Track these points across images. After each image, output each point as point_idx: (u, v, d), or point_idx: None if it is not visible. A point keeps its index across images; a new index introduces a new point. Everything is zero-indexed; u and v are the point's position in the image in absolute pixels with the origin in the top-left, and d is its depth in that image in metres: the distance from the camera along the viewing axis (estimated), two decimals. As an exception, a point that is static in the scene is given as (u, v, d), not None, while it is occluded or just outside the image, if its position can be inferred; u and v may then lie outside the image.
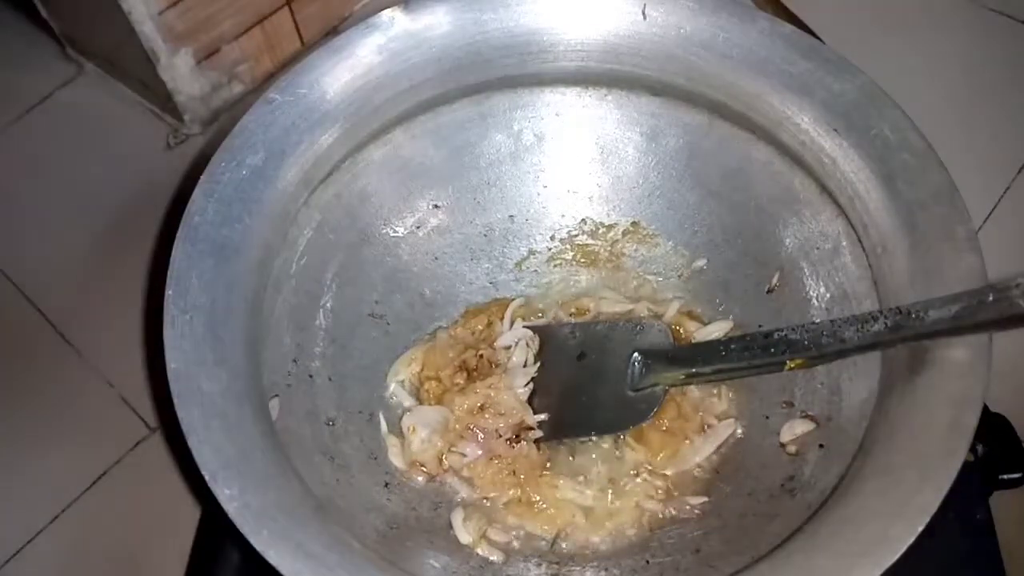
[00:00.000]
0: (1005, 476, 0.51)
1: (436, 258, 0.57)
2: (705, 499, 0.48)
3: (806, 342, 0.42)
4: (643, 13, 0.50)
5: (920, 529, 0.34)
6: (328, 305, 0.52)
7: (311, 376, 0.49)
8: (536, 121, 0.56)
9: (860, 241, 0.46)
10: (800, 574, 0.36)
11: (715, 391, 0.52)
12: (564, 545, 0.48)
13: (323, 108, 0.48)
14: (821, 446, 0.45)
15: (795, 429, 0.47)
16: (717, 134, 0.53)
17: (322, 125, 0.48)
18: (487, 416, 0.50)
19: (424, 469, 0.50)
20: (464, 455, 0.50)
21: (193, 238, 0.43)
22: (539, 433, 0.51)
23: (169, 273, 0.42)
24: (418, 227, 0.56)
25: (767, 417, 0.50)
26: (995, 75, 0.79)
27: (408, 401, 0.53)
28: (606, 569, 0.46)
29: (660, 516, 0.48)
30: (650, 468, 0.50)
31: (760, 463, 0.48)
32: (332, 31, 0.84)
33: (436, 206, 0.56)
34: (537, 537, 0.48)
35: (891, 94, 0.46)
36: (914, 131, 0.45)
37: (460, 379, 0.52)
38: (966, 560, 0.49)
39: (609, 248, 0.58)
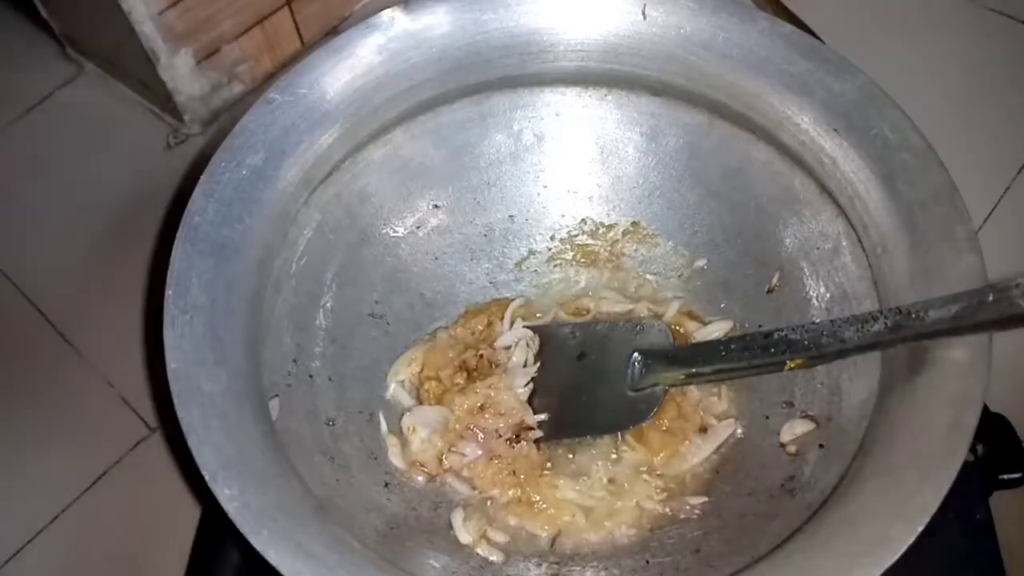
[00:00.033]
0: (1005, 476, 0.51)
1: (436, 258, 0.57)
2: (705, 499, 0.48)
3: (806, 342, 0.42)
4: (643, 13, 0.50)
5: (920, 529, 0.34)
6: (328, 305, 0.52)
7: (311, 376, 0.49)
8: (536, 121, 0.56)
9: (860, 241, 0.46)
10: (800, 574, 0.36)
11: (715, 391, 0.52)
12: (564, 545, 0.48)
13: (323, 108, 0.48)
14: (821, 446, 0.45)
15: (795, 429, 0.47)
16: (717, 134, 0.53)
17: (322, 125, 0.48)
18: (487, 416, 0.50)
19: (424, 469, 0.50)
20: (464, 455, 0.50)
21: (193, 238, 0.43)
22: (539, 433, 0.51)
23: (169, 273, 0.42)
24: (418, 227, 0.56)
25: (767, 417, 0.50)
26: (995, 75, 0.79)
27: (408, 401, 0.53)
28: (606, 569, 0.46)
29: (660, 516, 0.48)
30: (650, 468, 0.50)
31: (760, 463, 0.48)
32: (332, 31, 0.84)
33: (436, 206, 0.56)
34: (537, 537, 0.48)
35: (891, 94, 0.46)
36: (914, 131, 0.45)
37: (460, 379, 0.52)
38: (966, 560, 0.49)
39: (609, 248, 0.58)
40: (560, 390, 0.52)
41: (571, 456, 0.51)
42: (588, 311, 0.56)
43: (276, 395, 0.46)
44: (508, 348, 0.54)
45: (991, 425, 0.52)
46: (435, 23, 0.50)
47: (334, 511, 0.43)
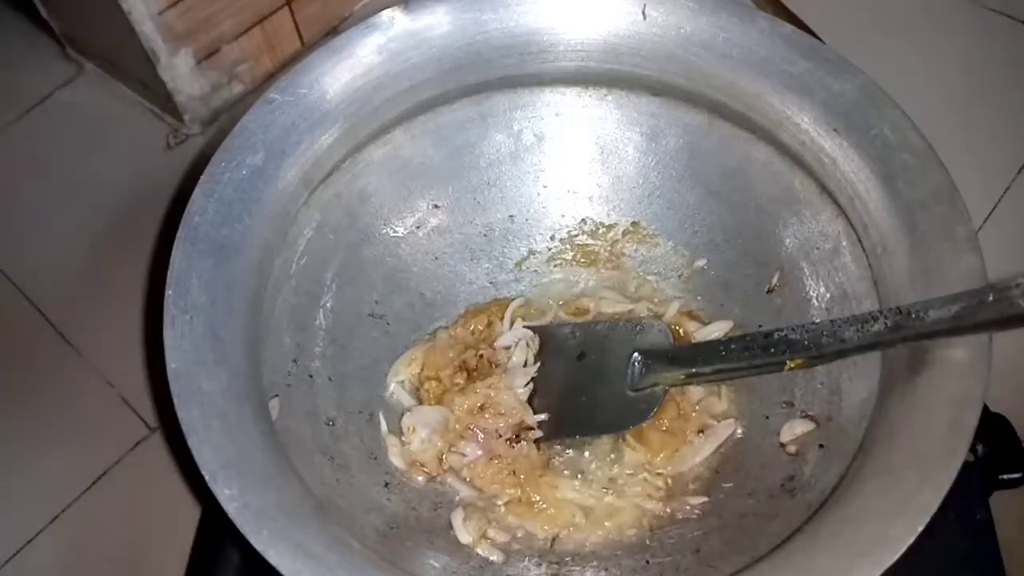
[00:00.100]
0: (1005, 476, 0.51)
1: (436, 258, 0.57)
2: (705, 499, 0.48)
3: (806, 342, 0.42)
4: (643, 13, 0.50)
5: (920, 529, 0.34)
6: (328, 305, 0.52)
7: (311, 376, 0.49)
8: (536, 121, 0.56)
9: (860, 241, 0.46)
10: (800, 574, 0.36)
11: (715, 391, 0.52)
12: (564, 545, 0.48)
13: (323, 108, 0.48)
14: (821, 446, 0.45)
15: (795, 429, 0.47)
16: (717, 134, 0.53)
17: (322, 125, 0.48)
18: (487, 416, 0.50)
19: (424, 469, 0.50)
20: (464, 455, 0.50)
21: (193, 238, 0.43)
22: (539, 433, 0.51)
23: (169, 273, 0.42)
24: (418, 227, 0.56)
25: (767, 417, 0.50)
26: (995, 75, 0.79)
27: (408, 401, 0.53)
28: (606, 569, 0.46)
29: (660, 516, 0.48)
30: (650, 468, 0.50)
31: (760, 463, 0.48)
32: (332, 31, 0.84)
33: (436, 206, 0.56)
34: (537, 537, 0.48)
35: (891, 94, 0.46)
36: (914, 131, 0.45)
37: (460, 379, 0.52)
38: (966, 560, 0.49)
39: (609, 248, 0.58)
40: (560, 390, 0.52)
41: (571, 456, 0.51)
42: (588, 311, 0.56)
43: (276, 395, 0.46)
44: (508, 348, 0.54)
45: (991, 425, 0.52)
46: (435, 23, 0.50)
47: (334, 511, 0.43)
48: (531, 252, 0.58)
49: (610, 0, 0.51)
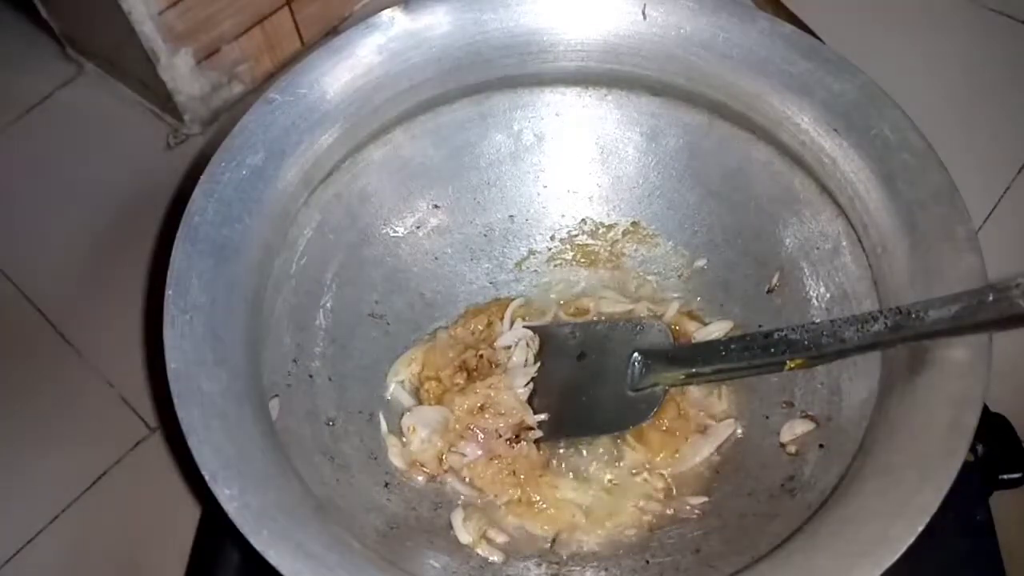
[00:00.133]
0: (1005, 476, 0.51)
1: (436, 258, 0.57)
2: (705, 499, 0.48)
3: (806, 342, 0.42)
4: (643, 13, 0.50)
5: (920, 529, 0.34)
6: (328, 305, 0.52)
7: (311, 376, 0.49)
8: (536, 121, 0.56)
9: (860, 241, 0.46)
10: (800, 574, 0.36)
11: (715, 391, 0.52)
12: (564, 545, 0.48)
13: (323, 108, 0.48)
14: (821, 446, 0.45)
15: (795, 429, 0.47)
16: (717, 134, 0.53)
17: (322, 125, 0.48)
18: (487, 416, 0.50)
19: (424, 469, 0.50)
20: (464, 455, 0.50)
21: (193, 238, 0.43)
22: (539, 433, 0.51)
23: (169, 273, 0.42)
24: (418, 227, 0.56)
25: (767, 417, 0.50)
26: (995, 75, 0.79)
27: (408, 401, 0.53)
28: (606, 569, 0.46)
29: (660, 516, 0.48)
30: (650, 468, 0.50)
31: (760, 463, 0.48)
32: (332, 31, 0.84)
33: (436, 206, 0.56)
34: (537, 537, 0.48)
35: (891, 94, 0.46)
36: (914, 131, 0.45)
37: (460, 379, 0.52)
38: (966, 560, 0.49)
39: (609, 248, 0.58)
40: (560, 390, 0.52)
41: (571, 456, 0.51)
42: (588, 311, 0.56)
43: (276, 395, 0.46)
44: (508, 348, 0.54)
45: (991, 425, 0.52)
46: (435, 23, 0.50)
47: (334, 511, 0.43)
48: (531, 252, 0.58)
49: (610, 0, 0.51)
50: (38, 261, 0.71)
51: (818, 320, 0.49)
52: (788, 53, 0.48)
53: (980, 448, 0.50)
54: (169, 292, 0.41)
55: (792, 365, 0.44)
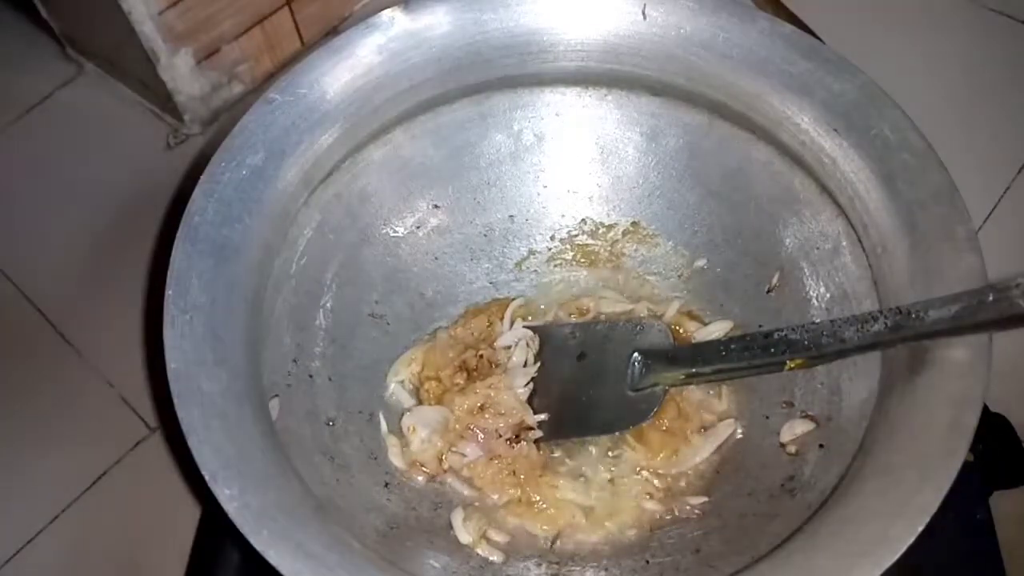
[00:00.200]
0: (1005, 476, 0.51)
1: (436, 258, 0.57)
2: (705, 499, 0.48)
3: (806, 342, 0.42)
4: (643, 13, 0.50)
5: (920, 529, 0.34)
6: (328, 305, 0.52)
7: (311, 376, 0.49)
8: (536, 121, 0.56)
9: (860, 241, 0.46)
10: (800, 574, 0.36)
11: (715, 391, 0.52)
12: (564, 545, 0.48)
13: (323, 108, 0.48)
14: (821, 446, 0.45)
15: (795, 429, 0.47)
16: (717, 134, 0.53)
17: (322, 125, 0.48)
18: (487, 416, 0.50)
19: (424, 469, 0.50)
20: (464, 455, 0.50)
21: (193, 238, 0.43)
22: (539, 433, 0.51)
23: (169, 273, 0.42)
24: (418, 227, 0.56)
25: (767, 417, 0.50)
26: (995, 75, 0.79)
27: (408, 401, 0.53)
28: (606, 569, 0.46)
29: (660, 516, 0.48)
30: (650, 468, 0.50)
31: (760, 463, 0.48)
32: (332, 31, 0.84)
33: (436, 206, 0.56)
34: (537, 537, 0.48)
35: (891, 94, 0.46)
36: (914, 131, 0.45)
37: (460, 379, 0.52)
38: (966, 560, 0.49)
39: (609, 248, 0.58)
40: (560, 390, 0.52)
41: (571, 456, 0.51)
42: (588, 311, 0.56)
43: (276, 395, 0.46)
44: (508, 348, 0.54)
45: (991, 425, 0.52)
46: (435, 23, 0.50)
47: (334, 511, 0.43)
48: (531, 252, 0.58)
49: (610, 0, 0.51)
50: (38, 261, 0.71)
51: (818, 320, 0.49)
52: (788, 53, 0.48)
53: (980, 448, 0.50)
54: (169, 292, 0.41)
55: (792, 365, 0.44)
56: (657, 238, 0.57)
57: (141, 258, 0.70)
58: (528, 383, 0.52)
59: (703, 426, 0.51)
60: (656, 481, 0.50)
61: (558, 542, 0.48)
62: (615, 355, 0.52)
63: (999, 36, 0.82)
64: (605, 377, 0.52)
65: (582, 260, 0.58)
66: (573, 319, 0.56)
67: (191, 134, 0.78)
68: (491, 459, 0.50)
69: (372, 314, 0.54)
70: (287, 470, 0.39)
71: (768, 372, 0.49)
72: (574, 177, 0.57)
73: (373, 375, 0.53)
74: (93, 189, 0.75)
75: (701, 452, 0.50)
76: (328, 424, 0.49)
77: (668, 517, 0.48)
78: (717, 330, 0.54)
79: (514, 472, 0.50)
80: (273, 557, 0.35)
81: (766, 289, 0.53)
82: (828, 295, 0.49)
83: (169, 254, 0.42)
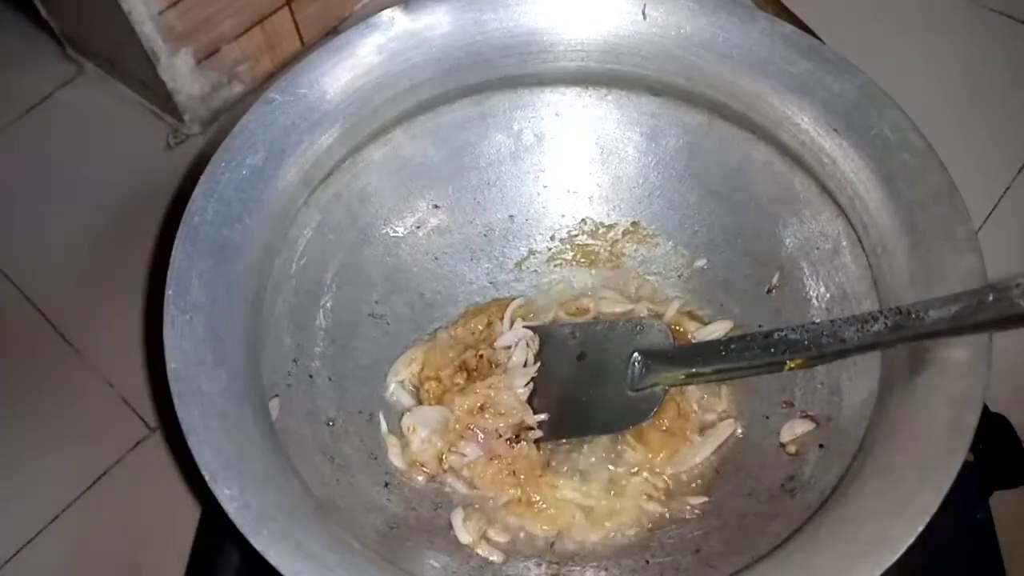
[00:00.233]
0: (1005, 476, 0.51)
1: (436, 258, 0.57)
2: (705, 499, 0.48)
3: (806, 342, 0.42)
4: (643, 13, 0.50)
5: (920, 529, 0.34)
6: (328, 305, 0.52)
7: (311, 376, 0.49)
8: (536, 121, 0.56)
9: (860, 241, 0.46)
10: (800, 574, 0.36)
11: (715, 391, 0.52)
12: (564, 545, 0.48)
13: (323, 108, 0.48)
14: (821, 446, 0.45)
15: (795, 429, 0.47)
16: (717, 134, 0.53)
17: (322, 125, 0.48)
18: (487, 416, 0.50)
19: (424, 469, 0.50)
20: (464, 455, 0.50)
21: (193, 238, 0.43)
22: (539, 433, 0.51)
23: (169, 273, 0.42)
24: (418, 227, 0.56)
25: (767, 417, 0.50)
26: (995, 75, 0.79)
27: (408, 401, 0.53)
28: (606, 569, 0.46)
29: (660, 516, 0.48)
30: (650, 468, 0.50)
31: (760, 463, 0.48)
32: (332, 31, 0.84)
33: (436, 206, 0.56)
34: (537, 537, 0.48)
35: (891, 94, 0.46)
36: (914, 131, 0.45)
37: (460, 379, 0.52)
38: (966, 560, 0.49)
39: (609, 248, 0.58)
40: (560, 390, 0.52)
41: (571, 456, 0.51)
42: (588, 311, 0.56)
43: (276, 395, 0.46)
44: (508, 348, 0.54)
45: (991, 425, 0.52)
46: (435, 23, 0.50)
47: (334, 511, 0.43)
48: (531, 252, 0.58)
49: (610, 0, 0.51)
50: (38, 261, 0.71)
51: (818, 320, 0.49)
52: (788, 53, 0.48)
53: (980, 448, 0.50)
54: (169, 292, 0.41)
55: (792, 365, 0.44)
56: (657, 238, 0.57)
57: (141, 258, 0.70)
58: (528, 383, 0.52)
59: (703, 426, 0.51)
60: (656, 481, 0.50)
61: (558, 542, 0.48)
62: (615, 355, 0.52)
63: (999, 36, 0.82)
64: (605, 377, 0.52)
65: (582, 260, 0.58)
66: (573, 319, 0.56)
67: (191, 134, 0.78)
68: (491, 459, 0.50)
69: (372, 314, 0.54)
70: (287, 470, 0.39)
71: (768, 372, 0.49)
72: (574, 177, 0.57)
73: (373, 375, 0.53)
74: (93, 189, 0.75)
75: (701, 452, 0.50)
76: (328, 424, 0.49)
77: (668, 517, 0.48)
78: (717, 330, 0.54)
79: (514, 472, 0.50)
80: (273, 557, 0.35)
81: (766, 289, 0.53)
82: (828, 295, 0.49)
83: (169, 254, 0.42)
